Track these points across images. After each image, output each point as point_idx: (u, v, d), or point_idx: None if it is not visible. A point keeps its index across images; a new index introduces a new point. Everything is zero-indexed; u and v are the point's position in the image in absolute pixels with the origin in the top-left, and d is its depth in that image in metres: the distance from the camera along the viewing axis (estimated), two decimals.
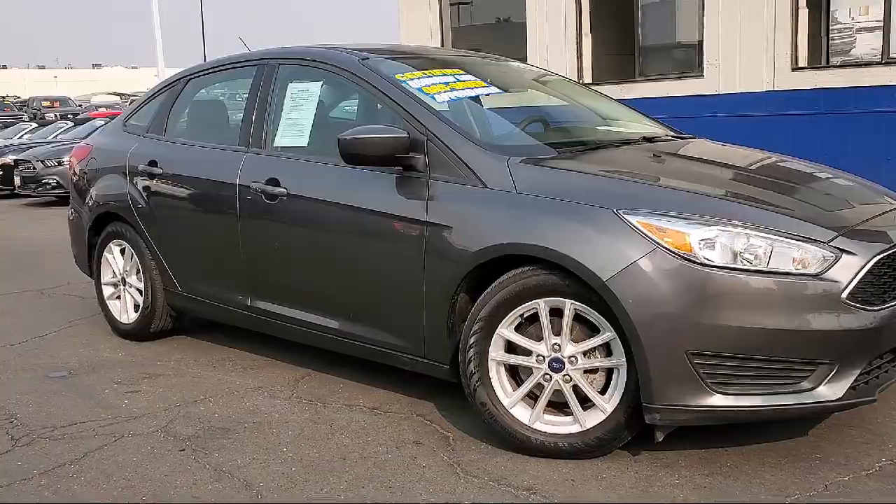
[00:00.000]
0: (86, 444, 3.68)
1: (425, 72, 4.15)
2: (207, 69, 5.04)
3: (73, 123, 19.90)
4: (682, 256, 2.98)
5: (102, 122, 17.59)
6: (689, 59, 8.21)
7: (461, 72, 4.31)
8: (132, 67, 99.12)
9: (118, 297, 5.43)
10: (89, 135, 16.69)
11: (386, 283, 3.76)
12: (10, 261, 8.76)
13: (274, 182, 4.19)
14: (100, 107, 41.14)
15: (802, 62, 6.92)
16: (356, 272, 3.87)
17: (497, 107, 4.33)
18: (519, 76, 4.85)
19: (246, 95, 4.63)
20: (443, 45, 9.70)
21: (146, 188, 4.97)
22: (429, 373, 3.75)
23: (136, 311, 5.28)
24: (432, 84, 4.01)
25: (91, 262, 5.59)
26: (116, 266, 5.35)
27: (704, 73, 7.41)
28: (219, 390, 4.33)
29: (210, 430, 3.80)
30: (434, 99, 3.89)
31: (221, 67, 4.96)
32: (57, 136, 18.95)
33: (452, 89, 4.02)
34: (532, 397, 3.38)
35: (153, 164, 4.93)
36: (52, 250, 9.21)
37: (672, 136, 4.36)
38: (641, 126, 4.50)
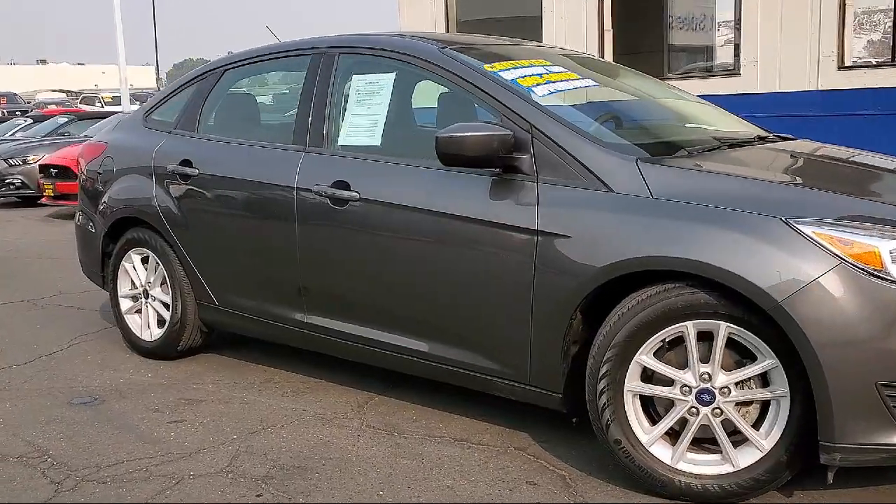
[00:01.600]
0: (142, 490, 3.18)
1: (512, 62, 3.71)
2: (247, 59, 4.53)
3: (31, 120, 18.97)
4: (871, 273, 2.59)
5: (66, 119, 16.83)
6: (725, 56, 7.87)
7: (547, 62, 3.87)
8: (79, 64, 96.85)
9: (138, 312, 4.89)
10: (54, 131, 16.05)
11: (482, 299, 3.32)
12: None
13: (342, 185, 3.72)
14: (49, 104, 39.77)
15: (849, 60, 6.61)
16: (445, 287, 3.42)
17: (581, 102, 3.88)
18: (602, 67, 4.42)
19: (296, 89, 4.14)
20: None
21: (177, 190, 4.45)
22: (533, 401, 3.32)
23: (160, 327, 4.75)
24: (526, 75, 3.58)
25: (104, 273, 5.03)
26: (137, 277, 4.81)
27: (741, 71, 7.07)
28: (276, 419, 3.84)
29: (283, 469, 3.32)
30: (534, 92, 3.44)
31: (264, 57, 4.45)
32: (14, 133, 18.03)
33: (548, 81, 3.59)
34: (670, 433, 2.96)
35: (186, 163, 4.41)
36: (29, 255, 8.59)
37: (776, 136, 3.97)
38: (739, 124, 4.10)
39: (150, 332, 4.79)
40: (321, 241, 3.82)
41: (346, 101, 3.93)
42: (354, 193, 3.67)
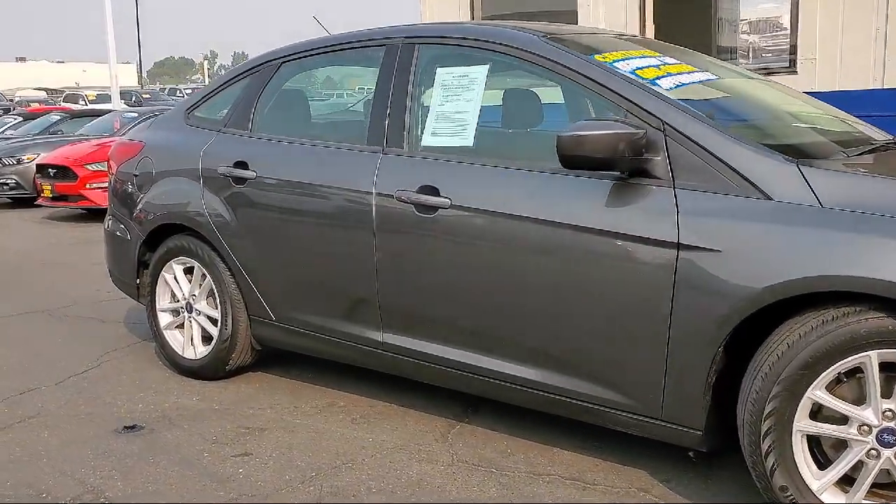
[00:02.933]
0: None
1: (622, 52, 3.31)
2: (308, 51, 4.10)
3: (21, 118, 18.40)
4: None
5: (59, 118, 16.28)
6: (780, 53, 7.52)
7: (656, 53, 3.48)
8: (58, 62, 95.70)
9: (179, 327, 4.46)
10: (46, 130, 15.50)
11: (604, 321, 2.92)
12: None
13: (430, 191, 3.31)
14: (32, 102, 39.01)
15: None
16: (557, 307, 3.02)
17: (712, 97, 3.48)
18: (707, 61, 4.02)
19: (367, 83, 3.72)
20: None
21: (230, 195, 4.02)
22: (664, 438, 2.93)
23: (206, 344, 4.32)
24: (643, 67, 3.19)
25: (139, 284, 4.58)
26: (179, 289, 4.38)
27: (798, 69, 6.70)
28: (354, 452, 3.43)
29: None
30: (659, 85, 3.04)
31: (328, 49, 4.03)
32: (4, 131, 17.45)
33: (669, 74, 3.20)
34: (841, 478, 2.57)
35: (241, 165, 3.99)
36: (33, 261, 8.13)
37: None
38: (857, 124, 3.71)
39: (193, 349, 4.35)
40: (404, 251, 3.41)
41: (429, 97, 3.52)
42: (445, 200, 3.26)
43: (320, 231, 3.70)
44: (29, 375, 4.51)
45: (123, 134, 13.42)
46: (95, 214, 11.27)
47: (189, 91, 48.06)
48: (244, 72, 4.30)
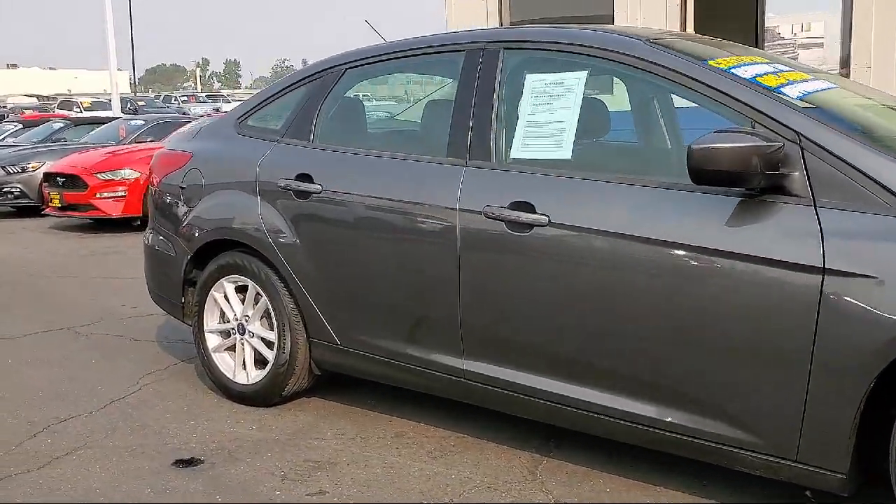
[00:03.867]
0: None
1: (736, 58, 3.06)
2: (374, 57, 3.84)
3: (21, 125, 18.07)
4: None
5: (61, 125, 15.95)
6: (831, 59, 7.29)
7: (765, 59, 3.23)
8: (50, 68, 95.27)
9: (230, 349, 4.18)
10: (49, 137, 15.17)
11: (730, 352, 2.68)
12: (4, 287, 7.29)
13: (524, 207, 3.05)
14: (27, 108, 38.64)
15: None
16: (673, 335, 2.76)
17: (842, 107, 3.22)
18: (810, 68, 3.77)
19: (443, 91, 3.48)
20: None
21: (292, 209, 3.75)
22: (798, 481, 2.68)
23: (259, 368, 4.04)
24: (762, 73, 2.93)
25: (184, 303, 4.30)
26: (230, 309, 4.10)
27: (851, 75, 6.48)
28: (438, 490, 3.17)
29: None
30: (785, 94, 2.79)
31: (398, 55, 3.76)
32: (4, 139, 17.11)
33: (790, 81, 2.94)
34: None
35: (305, 178, 3.72)
36: (48, 273, 7.83)
37: None
38: None
39: (246, 373, 4.07)
40: (494, 272, 3.14)
41: (517, 106, 3.26)
42: (541, 217, 3.00)
43: (394, 250, 3.43)
44: (67, 401, 4.22)
45: (130, 142, 13.14)
46: (103, 224, 10.99)
47: (185, 99, 47.78)
48: (302, 79, 4.03)
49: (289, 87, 4.08)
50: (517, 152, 3.19)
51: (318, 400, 4.16)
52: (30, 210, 12.49)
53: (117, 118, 16.51)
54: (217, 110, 37.54)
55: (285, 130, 3.96)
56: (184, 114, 22.67)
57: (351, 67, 3.88)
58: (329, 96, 3.88)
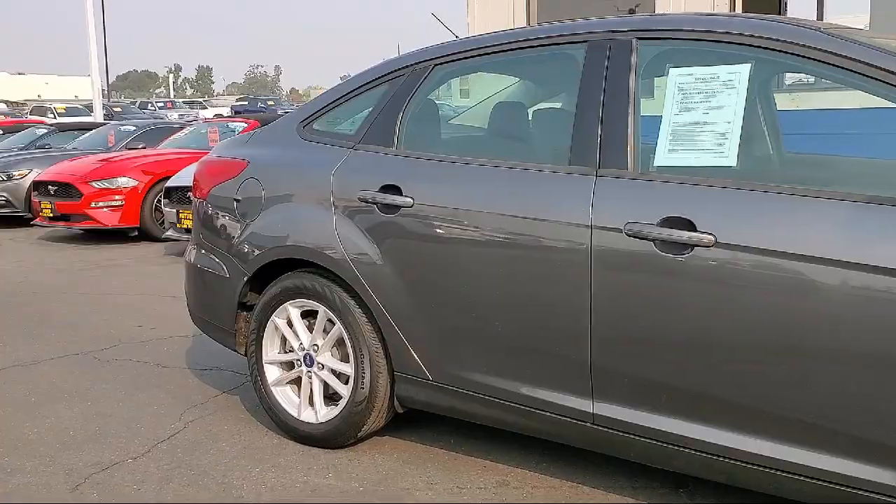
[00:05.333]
0: None
1: None
2: (468, 51, 3.37)
3: (1, 131, 17.36)
4: None
5: (45, 131, 15.29)
6: None
7: None
8: (19, 73, 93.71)
9: (293, 383, 3.69)
10: (33, 144, 14.50)
11: None
12: (4, 306, 6.71)
13: (679, 224, 2.60)
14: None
15: None
16: (880, 381, 2.30)
17: None
18: None
19: (557, 89, 3.02)
20: None
21: (376, 225, 3.28)
22: None
23: (330, 405, 3.56)
24: None
25: (237, 329, 3.80)
26: (296, 337, 3.62)
27: None
28: None
29: None
30: None
31: (497, 48, 3.29)
32: None
33: None
34: None
35: (392, 190, 3.24)
36: (48, 290, 7.27)
37: None
38: None
39: (314, 411, 3.58)
40: (637, 300, 2.68)
41: (658, 105, 2.80)
42: (704, 236, 2.54)
43: (505, 272, 2.96)
44: (105, 443, 3.70)
45: (119, 149, 12.54)
46: (95, 235, 10.42)
47: (161, 105, 46.97)
48: (379, 77, 3.55)
49: (363, 86, 3.60)
50: (663, 159, 2.74)
51: (392, 439, 3.68)
52: (15, 220, 11.87)
53: (103, 124, 15.88)
54: (195, 117, 36.85)
55: (362, 135, 3.48)
56: (180, 117, 22.02)
57: (440, 63, 3.41)
58: (415, 96, 3.41)
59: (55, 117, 35.56)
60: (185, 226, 8.61)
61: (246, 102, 45.71)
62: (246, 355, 3.86)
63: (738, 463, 2.59)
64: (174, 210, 8.74)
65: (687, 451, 2.70)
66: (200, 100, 59.32)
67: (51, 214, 10.29)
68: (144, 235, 10.14)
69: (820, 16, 7.37)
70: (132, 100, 56.29)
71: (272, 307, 3.64)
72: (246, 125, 11.55)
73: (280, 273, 3.64)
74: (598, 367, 2.81)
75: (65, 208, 10.13)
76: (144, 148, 12.13)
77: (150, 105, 45.53)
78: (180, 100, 58.47)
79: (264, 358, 3.71)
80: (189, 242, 4.19)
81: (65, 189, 10.15)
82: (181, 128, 13.01)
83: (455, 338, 3.14)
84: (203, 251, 3.96)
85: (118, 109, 38.11)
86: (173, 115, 38.91)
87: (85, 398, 4.33)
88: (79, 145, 13.46)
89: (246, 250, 3.69)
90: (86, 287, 7.39)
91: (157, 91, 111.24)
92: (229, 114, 40.88)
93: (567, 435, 2.97)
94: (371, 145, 3.44)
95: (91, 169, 10.20)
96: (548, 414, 2.97)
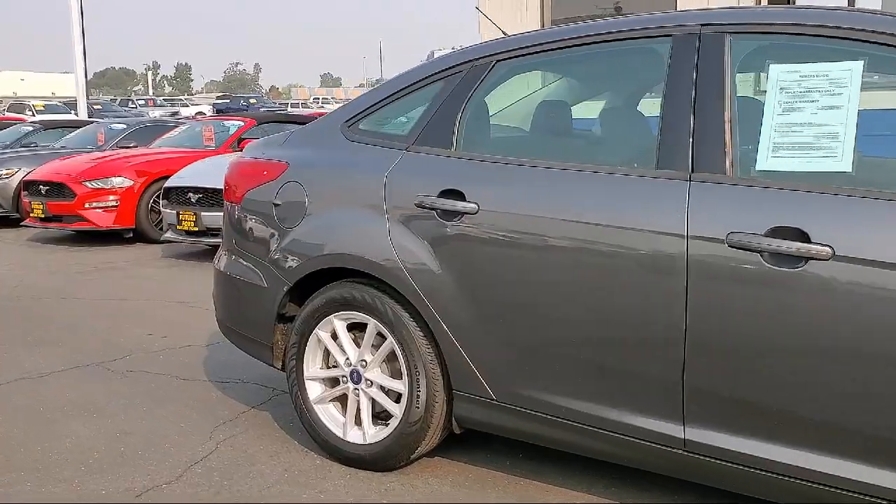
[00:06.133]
0: None
1: None
2: (533, 46, 3.14)
3: None
4: None
5: (31, 128, 14.89)
6: None
7: None
8: None
9: (338, 401, 3.44)
10: (18, 142, 14.10)
11: None
12: (1, 311, 6.41)
13: (791, 234, 2.38)
14: None
15: None
16: None
17: None
18: None
19: (642, 86, 2.79)
20: None
21: (436, 233, 3.04)
22: None
23: (379, 424, 3.31)
24: None
25: (275, 342, 3.55)
26: (341, 352, 3.37)
27: None
28: None
29: None
30: None
31: (566, 42, 3.06)
32: None
33: None
34: None
35: (454, 195, 3.00)
36: (46, 295, 6.99)
37: None
38: None
39: (361, 431, 3.34)
40: (743, 316, 2.47)
41: (757, 105, 2.58)
42: (821, 248, 2.33)
43: (584, 285, 2.73)
44: (134, 466, 3.44)
45: (110, 148, 12.20)
46: (87, 236, 10.13)
47: (143, 103, 46.41)
48: (433, 74, 3.31)
49: (414, 84, 3.36)
50: (766, 163, 2.52)
51: (443, 461, 3.44)
52: (2, 221, 11.54)
53: (90, 122, 15.51)
54: (174, 114, 36.42)
55: (416, 136, 3.23)
56: (173, 115, 21.65)
57: (503, 59, 3.17)
58: (475, 95, 3.16)
59: (33, 115, 35.03)
60: (185, 228, 8.32)
61: (228, 100, 45.25)
62: (283, 370, 3.61)
63: (856, 495, 2.37)
64: (174, 211, 8.44)
65: (790, 480, 2.48)
66: (182, 97, 58.73)
67: (42, 215, 9.96)
68: (139, 237, 9.83)
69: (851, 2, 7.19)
70: (112, 97, 55.57)
71: (315, 319, 3.39)
72: (242, 123, 11.26)
73: (323, 283, 3.39)
74: (691, 388, 2.59)
75: (57, 209, 9.81)
76: (136, 146, 11.80)
77: (130, 103, 44.93)
78: (161, 97, 57.83)
79: (305, 373, 3.46)
80: (220, 248, 3.92)
81: (57, 189, 9.83)
82: (173, 126, 12.68)
83: (525, 355, 2.91)
84: (236, 258, 3.70)
85: (98, 107, 37.64)
86: (155, 113, 38.43)
87: (103, 414, 4.05)
88: (67, 144, 13.11)
89: (287, 259, 3.44)
90: (84, 291, 7.09)
91: (136, 88, 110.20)
92: (211, 111, 40.49)
93: (653, 461, 2.75)
94: (426, 146, 3.20)
95: (84, 168, 9.87)
96: (631, 439, 2.74)
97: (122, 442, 3.70)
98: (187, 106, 46.85)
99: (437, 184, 3.07)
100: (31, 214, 10.09)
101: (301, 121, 12.12)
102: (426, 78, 3.32)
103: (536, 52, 3.11)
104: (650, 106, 3.22)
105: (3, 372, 4.75)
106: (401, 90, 3.39)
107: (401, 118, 3.38)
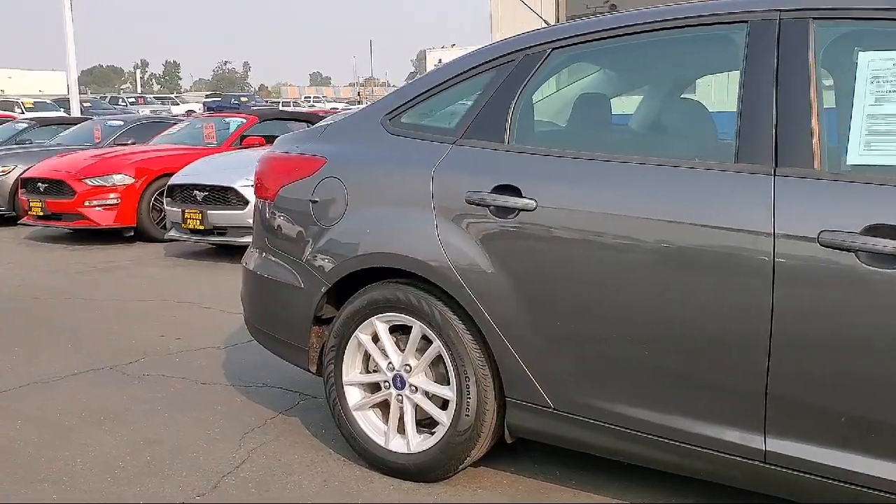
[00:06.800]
0: None
1: None
2: (592, 33, 2.96)
3: None
4: None
5: (25, 125, 14.63)
6: None
7: None
8: None
9: (379, 407, 3.26)
10: (13, 138, 13.84)
11: None
12: (6, 313, 6.20)
13: (891, 233, 2.20)
14: None
15: None
16: None
17: None
18: None
19: (703, 73, 2.63)
20: None
21: (489, 231, 2.87)
22: None
23: (424, 433, 3.14)
24: None
25: (310, 345, 3.37)
26: (383, 356, 3.20)
27: None
28: None
29: None
30: None
31: (628, 30, 2.89)
32: None
33: None
34: None
35: (509, 191, 2.83)
36: (50, 295, 6.79)
37: None
38: None
39: (405, 440, 3.16)
40: (836, 320, 2.32)
41: (847, 95, 2.42)
42: None
43: (658, 286, 2.57)
44: (163, 477, 3.25)
45: (107, 145, 11.96)
46: (85, 235, 9.94)
47: (133, 100, 46.02)
48: (482, 63, 3.14)
49: (461, 74, 3.19)
50: (858, 157, 2.36)
51: (488, 471, 3.29)
52: None
53: (84, 119, 15.27)
54: (165, 112, 36.12)
55: (464, 129, 3.06)
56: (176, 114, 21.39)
57: (559, 47, 3.00)
58: (528, 85, 2.99)
59: (22, 112, 34.68)
60: (190, 226, 8.12)
61: (219, 98, 44.93)
62: (319, 374, 3.43)
63: None
64: (179, 209, 8.24)
65: (882, 494, 2.31)
66: (172, 96, 58.34)
67: (41, 213, 9.74)
68: (140, 236, 9.62)
69: None
70: (101, 95, 55.12)
71: (356, 322, 3.22)
72: (244, 121, 11.06)
73: (361, 283, 3.22)
74: (775, 397, 2.43)
75: (56, 207, 9.59)
76: (134, 143, 11.58)
77: (121, 100, 44.56)
78: (151, 95, 57.44)
79: (344, 378, 3.29)
80: (250, 247, 3.74)
81: (56, 186, 9.61)
82: (172, 123, 12.47)
83: (590, 362, 2.74)
84: (268, 257, 3.52)
85: (88, 104, 37.27)
86: (146, 111, 38.11)
87: (124, 421, 3.86)
88: (62, 141, 12.87)
89: (325, 258, 3.26)
90: (89, 292, 6.89)
91: (124, 87, 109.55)
92: (202, 110, 40.19)
93: (729, 474, 2.58)
94: (475, 139, 3.03)
95: (84, 165, 9.66)
96: (707, 451, 2.58)
97: (147, 451, 3.52)
98: (178, 104, 46.50)
99: (490, 179, 2.90)
100: (30, 212, 9.87)
101: (304, 118, 11.94)
102: (474, 68, 3.15)
103: (595, 40, 2.95)
104: (710, 94, 3.07)
105: (15, 376, 4.56)
106: (446, 81, 3.22)
107: (447, 110, 3.21)
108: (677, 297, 2.54)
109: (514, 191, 2.84)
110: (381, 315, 3.17)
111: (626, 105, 3.44)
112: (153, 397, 4.20)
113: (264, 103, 48.77)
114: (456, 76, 3.20)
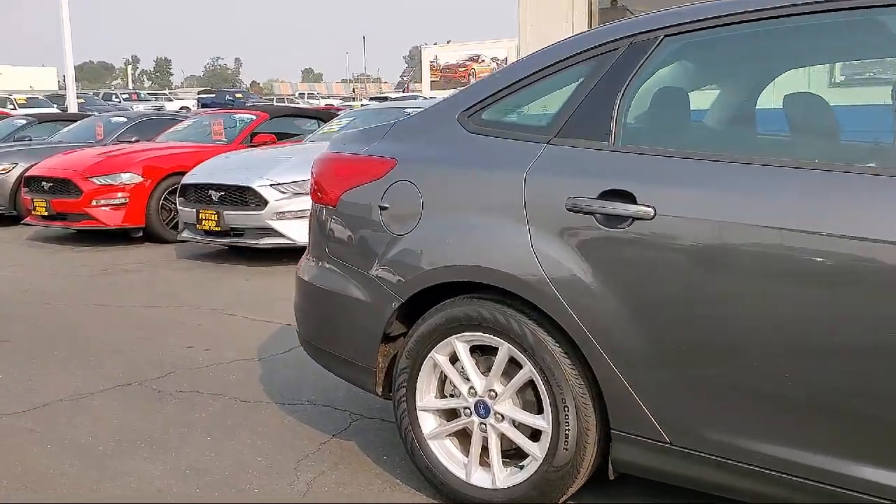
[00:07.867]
0: None
1: None
2: (712, 18, 2.62)
3: None
4: None
5: (25, 122, 14.23)
6: None
7: None
8: None
9: (457, 436, 2.93)
10: (12, 135, 13.43)
11: None
12: (20, 320, 5.84)
13: None
14: None
15: None
16: None
17: None
18: None
19: (863, 67, 2.28)
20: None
21: (595, 243, 2.55)
22: None
23: (510, 466, 2.82)
24: None
25: (377, 366, 3.04)
26: (464, 380, 2.86)
27: None
28: None
29: None
30: None
31: (755, 14, 2.55)
32: None
33: None
34: None
35: (619, 197, 2.51)
36: (63, 301, 6.46)
37: None
38: None
39: (490, 474, 2.84)
40: None
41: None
42: None
43: (805, 308, 2.26)
44: None
45: (111, 142, 11.58)
46: (90, 235, 9.60)
47: (126, 97, 45.50)
48: (579, 52, 2.80)
49: (553, 65, 2.86)
50: None
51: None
52: None
53: (83, 115, 14.88)
54: (159, 109, 35.64)
55: (560, 126, 2.73)
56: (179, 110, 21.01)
57: (673, 34, 2.67)
58: (636, 77, 2.66)
59: (15, 108, 34.23)
60: (205, 227, 7.77)
61: (213, 95, 44.45)
62: (385, 398, 3.11)
63: None
64: (193, 210, 7.89)
65: None
66: (166, 92, 57.83)
67: (45, 213, 9.38)
68: (149, 237, 9.27)
69: None
70: (94, 91, 54.55)
71: (432, 341, 2.89)
72: (255, 117, 10.71)
73: (436, 298, 2.88)
74: None
75: (62, 206, 9.23)
76: (138, 141, 11.21)
77: (114, 97, 44.04)
78: (144, 91, 56.89)
79: (418, 403, 2.96)
80: (304, 255, 3.41)
81: (62, 185, 9.24)
82: (178, 120, 12.09)
83: (716, 392, 2.41)
84: (329, 268, 3.19)
85: (81, 101, 36.78)
86: (139, 108, 37.66)
87: (164, 447, 3.53)
88: (64, 138, 12.51)
89: (397, 270, 2.93)
90: (103, 297, 6.55)
91: (115, 83, 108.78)
92: (195, 106, 39.74)
93: None
94: (574, 139, 2.70)
95: (91, 163, 9.29)
96: (855, 493, 2.25)
97: (194, 481, 3.19)
98: (171, 100, 46.02)
99: (596, 183, 2.57)
100: (34, 212, 9.52)
101: (313, 115, 11.59)
102: (569, 58, 2.82)
103: (718, 26, 2.60)
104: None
105: (37, 393, 4.22)
106: (534, 73, 2.89)
107: (535, 106, 2.88)
108: (831, 320, 2.23)
109: (627, 196, 2.51)
110: (461, 334, 2.85)
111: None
112: (191, 418, 3.86)
113: (258, 100, 48.33)
114: (546, 68, 2.87)
